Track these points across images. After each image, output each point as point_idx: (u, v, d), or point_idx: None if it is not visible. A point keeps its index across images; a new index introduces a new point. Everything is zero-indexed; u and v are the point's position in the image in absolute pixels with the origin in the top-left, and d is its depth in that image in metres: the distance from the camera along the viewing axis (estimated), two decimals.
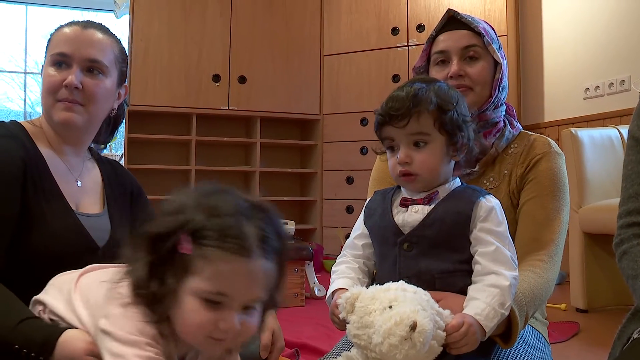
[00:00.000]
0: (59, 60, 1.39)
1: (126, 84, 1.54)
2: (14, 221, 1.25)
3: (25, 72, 7.65)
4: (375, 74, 5.01)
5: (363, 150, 4.94)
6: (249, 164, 5.21)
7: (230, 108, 5.00)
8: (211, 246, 0.89)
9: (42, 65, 1.45)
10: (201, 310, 0.90)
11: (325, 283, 3.51)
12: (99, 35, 1.43)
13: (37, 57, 7.65)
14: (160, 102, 4.70)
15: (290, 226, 3.48)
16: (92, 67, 1.40)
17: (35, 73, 7.77)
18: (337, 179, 5.09)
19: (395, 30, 4.99)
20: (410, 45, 4.92)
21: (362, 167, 4.86)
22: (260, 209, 0.95)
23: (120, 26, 5.99)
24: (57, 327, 1.08)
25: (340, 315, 1.09)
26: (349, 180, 5.01)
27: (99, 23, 1.47)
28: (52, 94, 1.38)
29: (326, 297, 1.25)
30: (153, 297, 0.92)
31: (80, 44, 1.39)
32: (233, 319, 0.91)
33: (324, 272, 4.23)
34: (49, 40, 1.43)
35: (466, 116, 1.23)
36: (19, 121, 1.44)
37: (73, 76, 1.36)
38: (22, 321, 1.08)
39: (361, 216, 1.32)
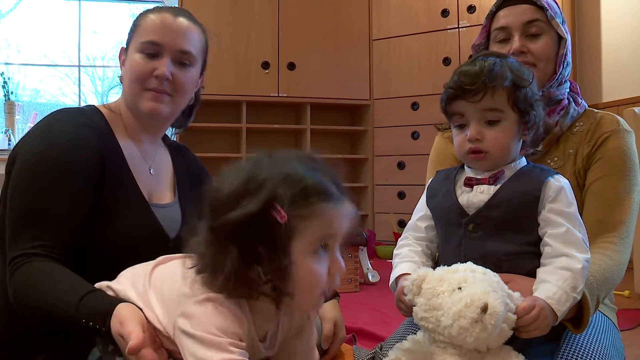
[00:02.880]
0: (149, 49, 1.35)
1: (204, 71, 1.51)
2: (86, 214, 1.25)
3: (79, 66, 7.81)
4: (426, 58, 4.93)
5: (414, 135, 4.87)
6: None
7: (280, 95, 5.00)
8: (304, 206, 0.90)
9: (124, 49, 1.42)
10: (315, 265, 0.92)
11: (378, 269, 3.49)
12: (189, 24, 1.40)
13: (89, 51, 7.81)
14: (210, 90, 4.67)
15: None
16: (182, 60, 1.38)
17: (87, 66, 7.92)
18: (389, 164, 5.04)
19: (445, 12, 4.89)
20: (461, 27, 4.81)
21: (413, 152, 4.80)
22: (315, 160, 0.98)
23: None
24: (116, 299, 1.07)
25: (407, 298, 1.07)
26: (400, 165, 4.95)
27: (186, 10, 1.44)
28: (140, 82, 1.35)
29: (390, 283, 1.22)
30: (260, 277, 0.91)
31: (172, 33, 1.36)
32: (340, 259, 0.95)
33: (376, 258, 4.20)
34: (136, 25, 1.40)
35: (537, 94, 1.19)
36: (96, 106, 1.42)
37: (165, 67, 1.34)
38: (84, 296, 1.08)
39: (423, 197, 1.29)
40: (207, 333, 0.89)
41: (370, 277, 3.39)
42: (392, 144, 5.01)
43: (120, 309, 1.02)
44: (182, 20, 1.38)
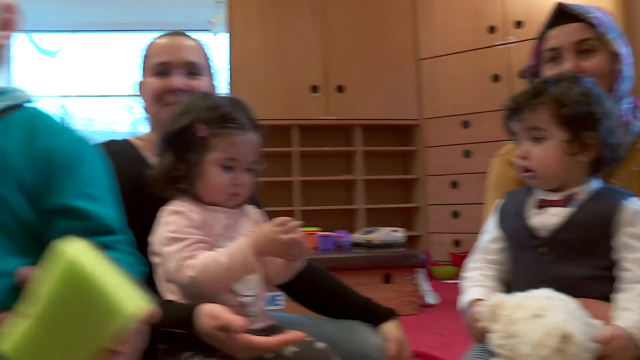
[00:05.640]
0: (159, 69, 1.46)
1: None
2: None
3: (129, 95, 8.04)
4: (475, 75, 4.90)
5: (467, 154, 4.82)
6: (351, 172, 5.23)
7: (330, 117, 5.04)
8: (220, 128, 1.23)
9: (139, 81, 1.53)
10: (220, 173, 1.24)
11: (436, 290, 3.46)
12: (188, 39, 1.53)
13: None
14: (260, 115, 4.78)
15: (400, 233, 3.45)
16: (191, 70, 1.48)
17: (138, 95, 8.14)
18: (441, 184, 5.00)
19: (492, 29, 4.87)
20: (509, 43, 4.78)
21: (466, 170, 4.74)
22: (238, 101, 1.32)
23: (218, 43, 6.17)
24: (190, 305, 1.13)
25: (481, 324, 1.06)
26: (454, 184, 4.91)
27: (184, 32, 1.56)
28: (158, 99, 1.46)
29: (460, 306, 1.21)
30: (183, 174, 1.23)
31: (175, 51, 1.48)
32: (243, 176, 1.26)
33: (432, 279, 4.17)
34: (144, 55, 1.53)
35: (598, 113, 1.15)
36: (127, 138, 1.54)
37: (177, 78, 1.45)
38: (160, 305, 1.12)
39: (493, 218, 1.27)
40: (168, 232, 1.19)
41: (430, 299, 3.36)
42: (443, 163, 4.98)
43: (206, 307, 1.11)
44: (183, 38, 1.52)
